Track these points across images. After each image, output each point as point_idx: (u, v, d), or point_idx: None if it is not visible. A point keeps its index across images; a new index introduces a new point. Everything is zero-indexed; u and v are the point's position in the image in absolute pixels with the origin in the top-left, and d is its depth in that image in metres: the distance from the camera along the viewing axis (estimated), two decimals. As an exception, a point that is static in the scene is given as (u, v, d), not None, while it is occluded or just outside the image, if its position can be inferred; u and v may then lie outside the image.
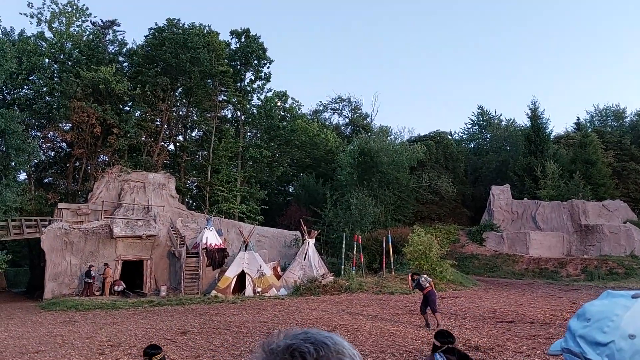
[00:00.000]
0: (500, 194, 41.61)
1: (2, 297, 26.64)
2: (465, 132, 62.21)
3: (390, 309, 17.44)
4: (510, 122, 58.35)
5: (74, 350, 11.41)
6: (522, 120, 57.97)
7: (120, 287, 25.75)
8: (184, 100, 41.68)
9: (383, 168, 40.52)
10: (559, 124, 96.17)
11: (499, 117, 60.29)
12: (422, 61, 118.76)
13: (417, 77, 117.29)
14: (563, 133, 56.25)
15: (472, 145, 61.02)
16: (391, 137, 52.17)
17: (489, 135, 59.37)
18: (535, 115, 47.30)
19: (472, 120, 61.43)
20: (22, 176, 33.81)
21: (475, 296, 21.75)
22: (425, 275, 14.70)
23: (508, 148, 54.43)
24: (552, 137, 50.67)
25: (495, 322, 14.41)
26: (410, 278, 14.82)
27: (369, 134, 49.60)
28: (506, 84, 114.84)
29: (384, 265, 27.20)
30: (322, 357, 0.85)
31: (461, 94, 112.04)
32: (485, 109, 60.66)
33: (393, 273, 26.16)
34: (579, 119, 58.47)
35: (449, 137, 56.20)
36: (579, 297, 20.74)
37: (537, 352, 10.26)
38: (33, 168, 34.16)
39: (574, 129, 56.64)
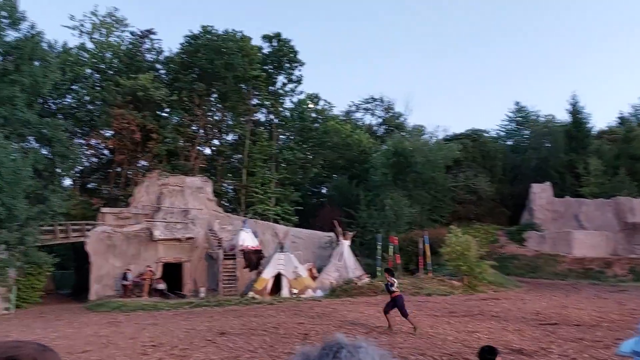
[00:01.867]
0: (540, 192, 40.44)
1: (50, 299, 27.72)
2: (502, 130, 60.74)
3: (428, 311, 17.19)
4: (549, 118, 56.62)
5: (118, 350, 11.77)
6: (562, 116, 55.92)
7: (162, 285, 26.33)
8: (219, 105, 42.41)
9: (418, 168, 39.99)
10: (601, 119, 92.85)
11: (537, 113, 58.68)
12: (456, 59, 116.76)
13: (450, 75, 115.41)
14: (606, 128, 54.19)
15: (510, 142, 59.47)
16: (425, 136, 51.41)
17: (527, 132, 57.77)
18: (575, 111, 45.87)
19: (509, 117, 59.97)
20: (68, 182, 35.18)
21: (516, 297, 21.20)
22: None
23: (548, 145, 52.78)
24: (594, 132, 48.97)
25: (538, 324, 14.00)
26: (387, 274, 14.15)
27: (403, 133, 49.07)
28: (544, 79, 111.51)
29: (421, 266, 26.87)
30: None
31: (497, 91, 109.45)
32: (522, 105, 59.16)
33: (430, 274, 25.83)
34: (622, 114, 56.20)
35: (485, 134, 54.99)
36: (627, 298, 19.92)
37: (584, 355, 9.91)
38: (77, 174, 35.45)
39: (618, 123, 54.47)
